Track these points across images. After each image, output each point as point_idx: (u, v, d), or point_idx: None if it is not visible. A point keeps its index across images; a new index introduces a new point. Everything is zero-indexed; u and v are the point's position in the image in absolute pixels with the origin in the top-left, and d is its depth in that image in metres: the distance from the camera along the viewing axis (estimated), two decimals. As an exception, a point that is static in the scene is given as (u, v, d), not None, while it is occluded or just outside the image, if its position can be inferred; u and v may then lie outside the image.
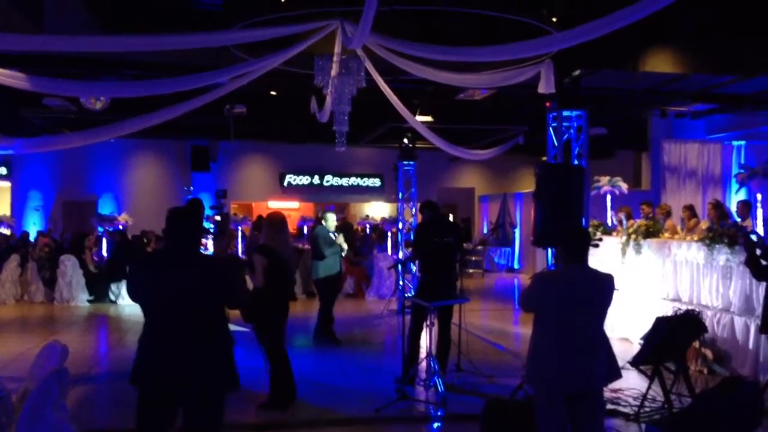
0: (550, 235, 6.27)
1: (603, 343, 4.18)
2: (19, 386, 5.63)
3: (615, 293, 4.29)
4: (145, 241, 15.70)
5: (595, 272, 4.17)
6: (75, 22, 8.23)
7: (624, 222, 10.48)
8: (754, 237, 6.68)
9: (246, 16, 8.46)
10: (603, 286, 4.14)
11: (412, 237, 10.80)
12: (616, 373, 4.34)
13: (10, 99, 12.16)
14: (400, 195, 13.52)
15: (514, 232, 20.15)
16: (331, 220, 10.02)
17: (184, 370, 3.58)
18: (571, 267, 4.11)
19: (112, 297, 13.78)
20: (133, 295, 3.78)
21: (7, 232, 16.16)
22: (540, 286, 4.22)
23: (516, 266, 20.31)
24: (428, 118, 13.44)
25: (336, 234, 9.88)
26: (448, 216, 12.32)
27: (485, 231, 21.74)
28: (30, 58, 9.27)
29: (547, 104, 7.92)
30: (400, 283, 12.81)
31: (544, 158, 20.00)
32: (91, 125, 12.29)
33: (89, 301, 13.66)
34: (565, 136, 7.67)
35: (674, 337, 5.94)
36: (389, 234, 15.91)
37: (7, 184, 20.28)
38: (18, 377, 7.01)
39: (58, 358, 3.87)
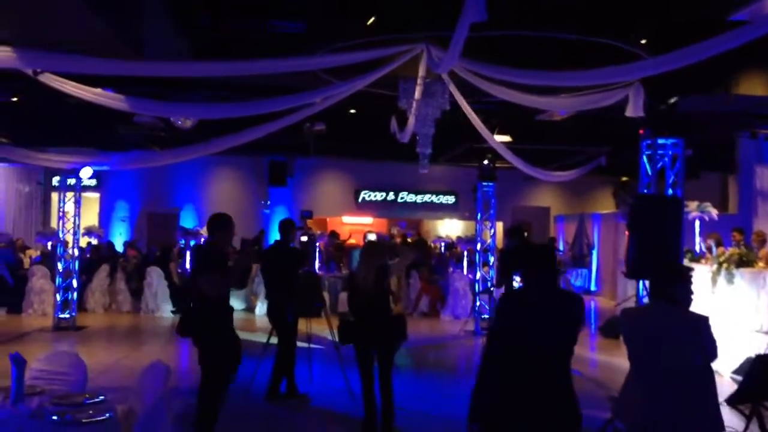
0: (645, 267, 6.12)
1: (703, 390, 3.88)
2: (114, 397, 5.85)
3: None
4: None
5: (687, 313, 3.93)
6: (171, 49, 8.57)
7: (713, 249, 10.11)
8: None
9: (330, 39, 8.63)
10: (695, 329, 3.88)
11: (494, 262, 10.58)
12: (719, 426, 4.06)
13: (105, 116, 12.72)
14: (479, 216, 13.44)
15: (592, 254, 19.71)
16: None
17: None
18: (657, 305, 3.93)
19: (194, 309, 14.16)
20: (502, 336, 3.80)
21: (94, 242, 16.87)
22: (625, 322, 4.07)
23: (593, 288, 19.86)
24: (507, 138, 13.33)
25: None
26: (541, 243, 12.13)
27: (561, 252, 21.33)
28: (125, 79, 9.69)
29: (641, 132, 7.72)
30: (477, 303, 12.73)
31: (624, 178, 19.63)
32: (178, 142, 12.75)
33: (172, 312, 14.07)
34: (659, 164, 7.46)
35: (776, 377, 5.67)
36: (465, 253, 15.82)
37: (96, 195, 21.16)
38: (109, 388, 7.28)
39: (163, 380, 3.99)
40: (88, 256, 15.37)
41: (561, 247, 21.64)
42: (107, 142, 14.67)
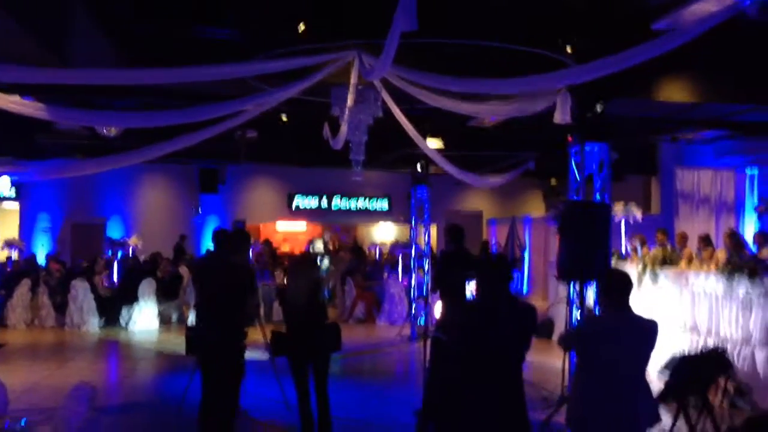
0: (578, 271, 6.25)
1: (645, 389, 4.12)
2: (37, 418, 5.58)
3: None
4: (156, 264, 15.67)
5: (639, 319, 4.10)
6: (98, 55, 8.29)
7: (639, 249, 10.45)
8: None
9: (264, 47, 8.52)
10: (647, 334, 4.08)
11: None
12: (655, 418, 4.30)
13: (24, 124, 12.21)
14: (413, 221, 13.51)
15: (523, 256, 20.07)
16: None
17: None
18: (615, 313, 4.06)
19: (122, 322, 13.74)
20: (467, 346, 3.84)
21: (15, 255, 16.15)
22: (584, 330, 4.19)
23: (525, 290, 20.22)
24: (438, 142, 13.45)
25: None
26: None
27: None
28: (46, 86, 9.31)
29: (569, 138, 7.91)
30: (413, 309, 12.79)
31: (553, 181, 20.06)
32: (103, 150, 12.32)
33: (100, 327, 13.59)
34: (587, 170, 7.65)
35: (700, 374, 5.89)
36: (400, 258, 15.90)
37: (15, 206, 20.26)
38: (34, 408, 6.96)
39: (87, 403, 3.83)
40: (8, 270, 14.72)
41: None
42: (26, 151, 14.08)
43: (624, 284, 4.10)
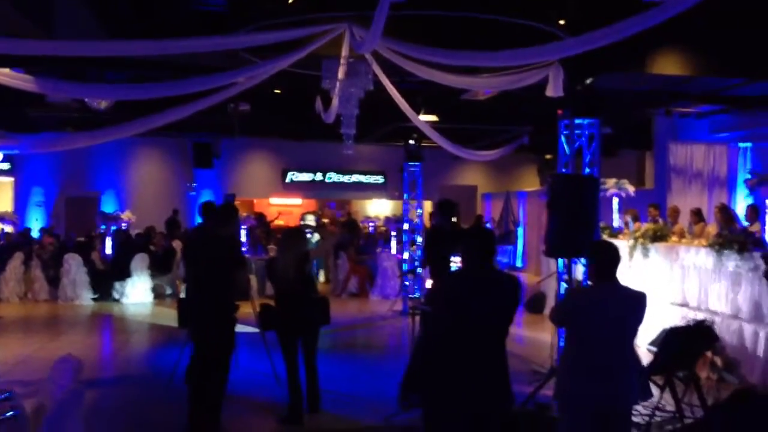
0: (565, 246, 6.24)
1: (633, 362, 4.13)
2: (25, 391, 5.60)
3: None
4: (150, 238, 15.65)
5: (627, 290, 4.10)
6: (83, 28, 8.18)
7: (630, 224, 10.46)
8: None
9: (251, 18, 8.43)
10: (635, 305, 4.07)
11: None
12: (647, 392, 4.31)
13: (15, 97, 12.10)
14: (406, 196, 13.48)
15: (517, 231, 20.11)
16: None
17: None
18: (602, 285, 4.06)
19: (116, 296, 13.77)
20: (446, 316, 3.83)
21: (9, 229, 16.11)
22: (572, 302, 4.20)
23: (519, 264, 20.29)
24: (433, 118, 13.39)
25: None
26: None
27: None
28: (34, 57, 9.21)
29: (559, 112, 7.86)
30: (405, 284, 12.82)
31: (548, 156, 20.04)
32: (95, 123, 12.26)
33: (93, 299, 13.63)
34: (577, 144, 7.62)
35: (687, 348, 5.92)
36: (393, 233, 15.91)
37: (9, 180, 20.20)
38: (24, 381, 7.00)
39: (72, 374, 3.83)
40: (1, 243, 14.71)
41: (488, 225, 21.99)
42: (17, 124, 13.97)
43: (610, 255, 4.08)
